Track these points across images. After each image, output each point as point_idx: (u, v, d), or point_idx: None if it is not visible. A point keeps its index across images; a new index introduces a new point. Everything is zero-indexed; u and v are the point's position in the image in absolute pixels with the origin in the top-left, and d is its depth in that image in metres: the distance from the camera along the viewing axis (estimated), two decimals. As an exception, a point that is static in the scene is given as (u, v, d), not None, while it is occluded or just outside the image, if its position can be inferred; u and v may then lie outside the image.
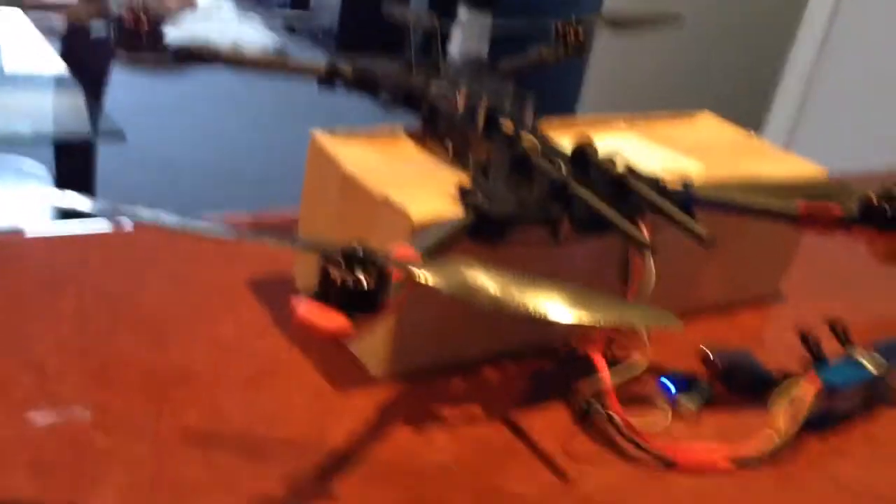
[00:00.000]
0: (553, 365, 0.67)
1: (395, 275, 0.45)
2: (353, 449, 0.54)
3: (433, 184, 0.62)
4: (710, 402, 0.65)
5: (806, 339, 0.69)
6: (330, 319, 0.41)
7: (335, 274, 0.42)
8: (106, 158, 1.78)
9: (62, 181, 1.71)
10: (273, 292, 0.69)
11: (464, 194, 0.58)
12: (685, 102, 1.00)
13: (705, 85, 3.31)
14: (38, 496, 0.47)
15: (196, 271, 0.71)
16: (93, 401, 0.54)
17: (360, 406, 0.58)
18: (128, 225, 0.75)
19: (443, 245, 0.51)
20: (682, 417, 0.64)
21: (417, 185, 0.62)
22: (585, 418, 0.61)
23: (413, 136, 0.71)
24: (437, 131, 0.70)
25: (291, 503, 0.50)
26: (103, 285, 0.66)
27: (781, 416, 0.62)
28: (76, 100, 1.69)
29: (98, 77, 1.71)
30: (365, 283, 0.42)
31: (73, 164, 1.69)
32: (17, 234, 0.72)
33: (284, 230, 0.79)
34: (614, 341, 0.64)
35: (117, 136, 1.40)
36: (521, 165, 0.61)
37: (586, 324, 0.41)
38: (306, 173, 0.67)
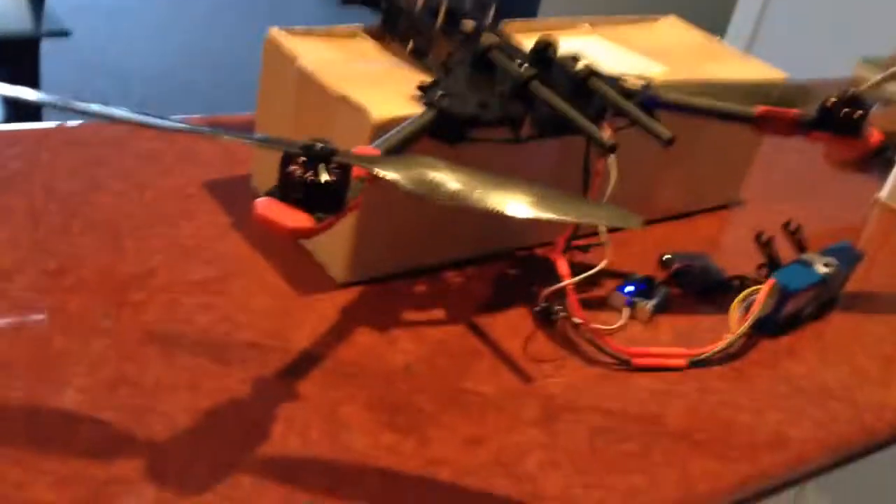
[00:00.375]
0: (514, 269, 0.67)
1: (356, 172, 0.45)
2: (315, 351, 0.54)
3: (393, 82, 0.61)
4: (666, 305, 0.66)
5: (761, 241, 0.70)
6: (291, 217, 0.41)
7: (296, 170, 0.42)
8: (51, 60, 1.72)
9: (5, 80, 1.65)
10: (231, 194, 0.68)
11: (424, 93, 0.57)
12: (646, 8, 0.99)
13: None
14: (-5, 396, 0.46)
15: (151, 172, 0.69)
16: (49, 301, 0.53)
17: (321, 309, 0.58)
18: (75, 122, 0.73)
19: (403, 143, 0.51)
20: (639, 319, 0.65)
21: (377, 83, 0.60)
22: (546, 320, 0.61)
23: (372, 34, 0.69)
24: (396, 29, 0.68)
25: (254, 403, 0.50)
26: (54, 184, 0.65)
27: (734, 317, 0.63)
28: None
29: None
30: (327, 179, 0.41)
31: (16, 63, 1.62)
32: (-39, 132, 0.69)
33: (242, 128, 0.78)
34: (573, 244, 0.64)
35: (61, 33, 1.35)
36: (482, 64, 0.60)
37: (549, 220, 0.41)
38: (262, 72, 0.65)
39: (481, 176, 0.44)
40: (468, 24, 0.65)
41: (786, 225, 0.71)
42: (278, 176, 0.42)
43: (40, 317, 0.52)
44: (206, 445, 0.46)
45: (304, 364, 0.53)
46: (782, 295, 0.63)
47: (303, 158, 0.42)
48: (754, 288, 0.63)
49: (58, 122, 0.73)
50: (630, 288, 0.65)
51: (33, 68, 1.61)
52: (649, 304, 0.65)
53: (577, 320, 0.59)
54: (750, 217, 0.83)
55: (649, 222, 0.78)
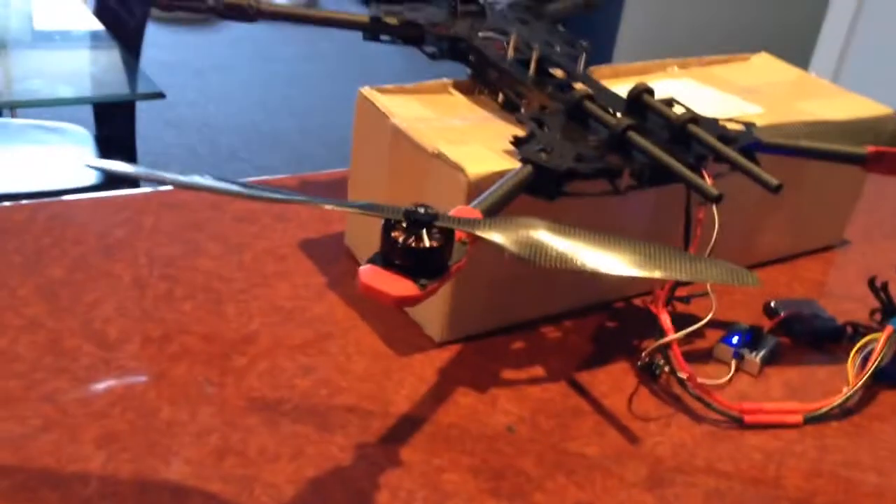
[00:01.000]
0: (612, 321, 0.66)
1: (458, 235, 0.44)
2: (415, 414, 0.54)
3: (485, 137, 0.61)
4: (775, 356, 0.64)
5: (874, 286, 0.67)
6: (396, 286, 0.40)
7: (398, 236, 0.41)
8: (144, 117, 1.77)
9: (104, 143, 1.71)
10: (325, 253, 0.68)
11: (520, 147, 0.56)
12: (721, 49, 0.97)
13: (739, 31, 3.22)
14: (106, 468, 0.47)
15: (247, 233, 0.70)
16: (156, 369, 0.54)
17: (420, 370, 0.57)
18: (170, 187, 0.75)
19: (503, 201, 0.50)
20: (747, 372, 0.62)
21: (470, 138, 0.60)
22: (650, 375, 0.60)
23: (461, 87, 0.69)
24: (486, 82, 0.68)
25: (358, 470, 0.49)
26: (156, 250, 0.66)
27: (851, 367, 0.60)
28: (112, 57, 1.67)
29: (133, 33, 1.69)
30: (431, 244, 0.41)
31: (113, 126, 1.68)
32: (67, 200, 0.71)
33: (333, 190, 0.78)
34: (674, 294, 0.62)
35: (156, 95, 1.39)
36: (577, 115, 0.59)
37: (660, 279, 0.39)
38: (354, 130, 0.66)
39: (584, 234, 0.42)
40: (559, 74, 0.64)
41: (871, 282, 0.67)
42: (381, 242, 0.42)
43: (147, 386, 0.53)
44: (312, 516, 0.46)
45: (405, 428, 0.53)
46: None
47: (405, 224, 0.41)
48: (872, 336, 0.60)
49: (156, 187, 0.75)
50: (736, 339, 0.63)
51: (129, 127, 1.67)
52: (758, 356, 0.62)
53: (682, 375, 0.57)
54: (857, 257, 0.80)
55: (751, 266, 0.75)
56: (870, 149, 0.60)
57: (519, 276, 0.61)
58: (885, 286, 0.65)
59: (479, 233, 0.42)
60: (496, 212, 0.49)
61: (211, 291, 0.62)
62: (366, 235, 0.67)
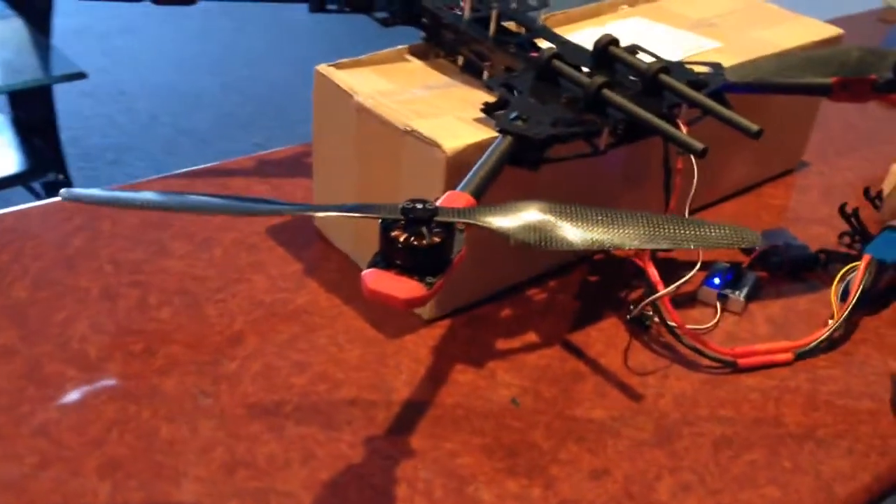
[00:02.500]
0: (594, 275, 0.66)
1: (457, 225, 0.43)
2: (418, 399, 0.53)
3: (453, 105, 0.59)
4: (756, 291, 0.64)
5: (845, 213, 0.68)
6: (402, 288, 0.39)
7: (398, 235, 0.40)
8: (58, 90, 1.69)
9: (22, 127, 1.63)
10: (296, 238, 0.67)
11: (494, 116, 0.55)
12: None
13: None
14: (115, 499, 0.45)
15: (211, 226, 0.67)
16: (145, 386, 0.52)
17: (414, 351, 0.57)
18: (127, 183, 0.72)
19: (488, 179, 0.49)
20: (731, 311, 0.63)
21: (438, 109, 0.58)
22: (640, 327, 0.60)
23: (417, 53, 0.67)
24: (442, 45, 0.66)
25: (371, 467, 0.48)
26: (120, 255, 0.63)
27: (834, 298, 0.61)
28: (20, 37, 1.59)
29: (39, 7, 1.60)
30: (433, 241, 0.39)
31: (30, 108, 1.60)
32: (16, 211, 0.68)
33: (294, 168, 0.76)
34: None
35: (76, 76, 1.33)
36: (547, 75, 0.57)
37: (671, 249, 0.39)
38: (315, 110, 0.63)
39: (586, 212, 0.42)
40: (518, 29, 0.63)
41: (866, 191, 0.68)
42: (380, 242, 0.40)
43: (140, 405, 0.51)
44: (336, 521, 0.45)
45: (410, 415, 0.52)
46: (879, 269, 0.61)
47: (404, 222, 0.40)
48: (851, 265, 0.61)
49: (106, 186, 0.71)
50: (717, 279, 0.63)
51: (47, 107, 1.59)
52: (741, 295, 0.63)
53: (673, 324, 0.57)
54: (816, 178, 0.81)
55: (718, 200, 0.76)
56: (834, 79, 0.60)
57: (499, 242, 0.60)
58: (855, 212, 0.66)
59: (482, 223, 0.41)
60: (484, 191, 0.48)
61: (186, 294, 0.60)
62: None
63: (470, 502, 0.47)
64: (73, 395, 0.51)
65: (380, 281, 0.39)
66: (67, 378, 0.53)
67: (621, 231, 0.40)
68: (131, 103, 2.86)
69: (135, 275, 0.62)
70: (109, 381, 0.52)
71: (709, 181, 0.72)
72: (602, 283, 0.65)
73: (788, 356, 0.57)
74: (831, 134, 0.89)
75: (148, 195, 0.40)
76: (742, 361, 0.57)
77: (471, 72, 0.64)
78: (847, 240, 0.70)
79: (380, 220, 0.40)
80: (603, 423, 0.52)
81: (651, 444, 0.51)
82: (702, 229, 0.41)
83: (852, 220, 0.67)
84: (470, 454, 0.50)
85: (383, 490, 0.47)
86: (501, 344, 0.58)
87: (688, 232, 0.40)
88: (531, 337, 0.59)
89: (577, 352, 0.58)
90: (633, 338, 0.59)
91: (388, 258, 0.40)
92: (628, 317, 0.60)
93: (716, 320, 0.61)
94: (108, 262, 0.62)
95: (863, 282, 0.60)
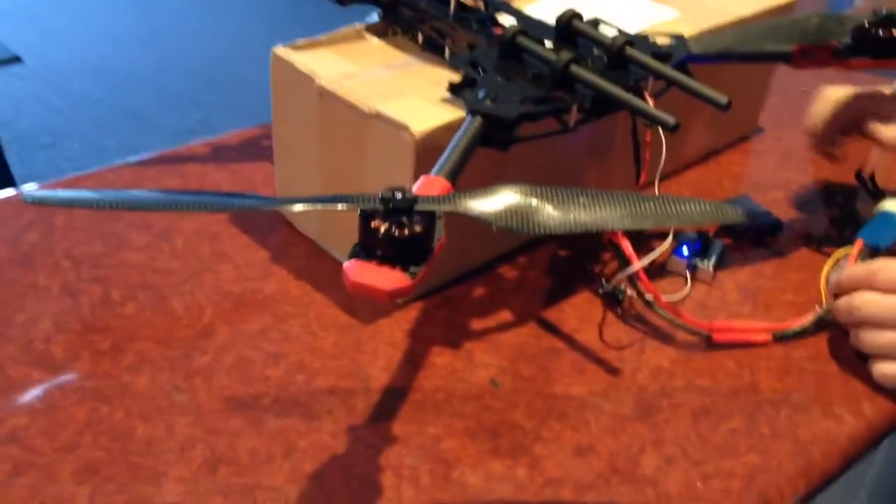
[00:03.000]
0: (564, 249, 0.65)
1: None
2: (397, 384, 0.53)
3: (418, 85, 0.58)
4: (724, 259, 0.65)
5: (861, 177, 0.68)
6: (386, 279, 0.38)
7: (379, 225, 0.39)
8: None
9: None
10: (258, 224, 0.65)
11: (462, 96, 0.54)
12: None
13: None
14: (93, 502, 0.44)
15: (169, 215, 0.65)
16: (116, 385, 0.51)
17: (390, 335, 0.56)
18: (76, 174, 0.69)
19: (461, 163, 0.48)
20: (701, 280, 0.63)
21: (402, 89, 0.57)
22: (613, 302, 0.60)
23: (375, 31, 0.65)
24: (400, 22, 0.65)
25: (355, 456, 0.48)
26: (77, 249, 0.61)
27: (824, 284, 0.59)
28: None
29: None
30: (415, 230, 0.39)
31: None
32: (-37, 208, 0.65)
33: (251, 152, 0.74)
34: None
35: (10, 60, 1.28)
36: (511, 52, 0.57)
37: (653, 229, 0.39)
38: (273, 93, 0.62)
39: (567, 194, 0.41)
40: (478, 4, 0.62)
41: (858, 174, 0.69)
42: (360, 233, 0.39)
43: (113, 406, 0.50)
44: (324, 514, 0.45)
45: (390, 401, 0.51)
46: (871, 254, 0.59)
47: (383, 211, 0.39)
48: (843, 251, 0.60)
49: (53, 180, 0.69)
50: (686, 249, 0.64)
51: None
52: (710, 264, 0.63)
53: (649, 297, 0.57)
54: (773, 143, 0.82)
55: (680, 169, 0.76)
56: (795, 47, 0.60)
57: (469, 222, 0.59)
58: (872, 177, 0.67)
59: (462, 210, 0.40)
60: (459, 174, 0.47)
61: (150, 288, 0.59)
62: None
63: (457, 486, 0.47)
64: (41, 399, 0.50)
65: (362, 273, 0.38)
66: (34, 381, 0.51)
67: (604, 212, 0.40)
68: (64, 83, 2.78)
69: (95, 269, 0.60)
70: (78, 382, 0.51)
71: (671, 150, 0.72)
72: (572, 258, 0.65)
73: (766, 337, 0.58)
74: (786, 99, 0.90)
75: (117, 195, 0.39)
76: (717, 336, 0.57)
77: (431, 49, 0.63)
78: (834, 211, 0.69)
79: (359, 211, 0.39)
80: (583, 399, 0.53)
81: (632, 418, 0.51)
82: (684, 206, 0.41)
83: (868, 184, 0.67)
84: (453, 438, 0.49)
85: (369, 479, 0.47)
86: (477, 324, 0.58)
87: (670, 210, 0.40)
88: (505, 315, 0.58)
89: (552, 328, 0.58)
90: (607, 312, 0.60)
91: (368, 249, 0.39)
92: (600, 291, 0.60)
93: (687, 290, 0.62)
94: (65, 258, 0.60)
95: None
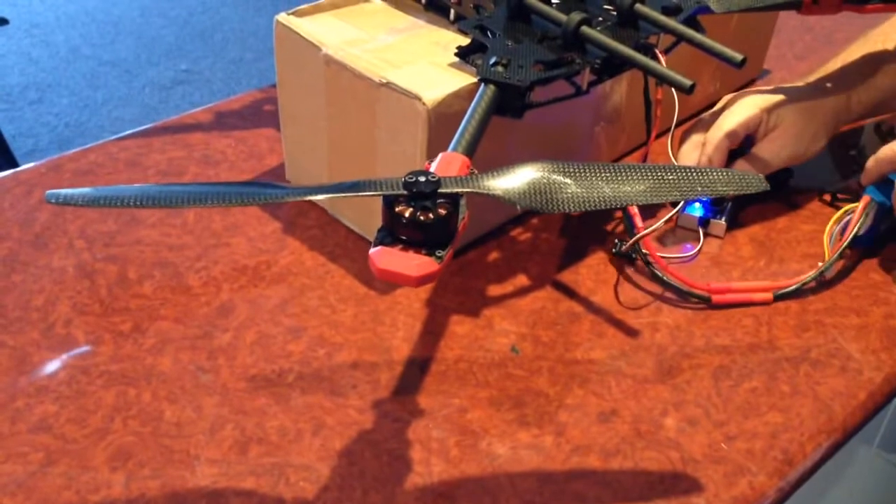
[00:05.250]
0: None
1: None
2: (419, 355, 0.53)
3: (425, 50, 0.57)
4: (735, 213, 0.65)
5: (881, 131, 0.68)
6: (414, 265, 0.38)
7: (404, 210, 0.39)
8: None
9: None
10: (270, 194, 0.65)
11: (472, 62, 0.53)
12: None
13: None
14: (131, 490, 0.45)
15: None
16: (141, 368, 0.51)
17: (408, 306, 0.56)
18: (80, 148, 0.69)
19: (478, 135, 0.47)
20: (713, 235, 0.63)
21: (410, 55, 0.56)
22: (627, 261, 0.60)
23: (377, -9, 0.64)
24: (403, -19, 0.63)
25: (383, 431, 0.48)
26: (90, 228, 0.61)
27: (827, 239, 0.60)
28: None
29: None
30: (440, 213, 0.38)
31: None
32: (-31, 189, 0.64)
33: (254, 118, 0.74)
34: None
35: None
36: (520, 13, 0.56)
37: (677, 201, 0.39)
38: (277, 61, 0.61)
39: (589, 170, 0.41)
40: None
41: (877, 127, 0.68)
42: (384, 218, 0.39)
43: (140, 389, 0.50)
44: (355, 490, 0.45)
45: (413, 373, 0.52)
46: (880, 212, 0.59)
47: (407, 196, 0.39)
48: (848, 207, 0.60)
49: (60, 153, 0.68)
50: (698, 204, 0.64)
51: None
52: (722, 218, 0.63)
53: (653, 263, 0.57)
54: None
55: (689, 116, 0.75)
56: (806, -5, 0.59)
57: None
58: (891, 130, 0.66)
59: (487, 191, 0.40)
60: (476, 147, 0.47)
61: (166, 265, 0.58)
62: (309, 167, 0.63)
63: (486, 457, 0.47)
64: (68, 385, 0.50)
65: (389, 259, 0.38)
66: (59, 366, 0.51)
67: (628, 186, 0.40)
68: (47, 36, 2.73)
69: (109, 248, 0.59)
70: (103, 366, 0.51)
71: (680, 100, 0.71)
72: (584, 218, 0.65)
73: (767, 297, 0.58)
74: (789, 37, 0.89)
75: (141, 190, 0.38)
76: (717, 299, 0.57)
77: (435, 10, 0.61)
78: (847, 159, 0.69)
79: (382, 197, 0.39)
80: (604, 363, 0.53)
81: (653, 380, 0.52)
82: (706, 175, 0.40)
83: (887, 137, 0.67)
84: (479, 408, 0.50)
85: (399, 454, 0.47)
86: (494, 290, 0.58)
87: (693, 181, 0.40)
88: (522, 280, 0.59)
89: (569, 291, 0.58)
90: (621, 272, 0.60)
91: (395, 234, 0.39)
92: (614, 251, 0.60)
93: (699, 247, 0.62)
94: (78, 237, 0.60)
95: (860, 223, 0.59)
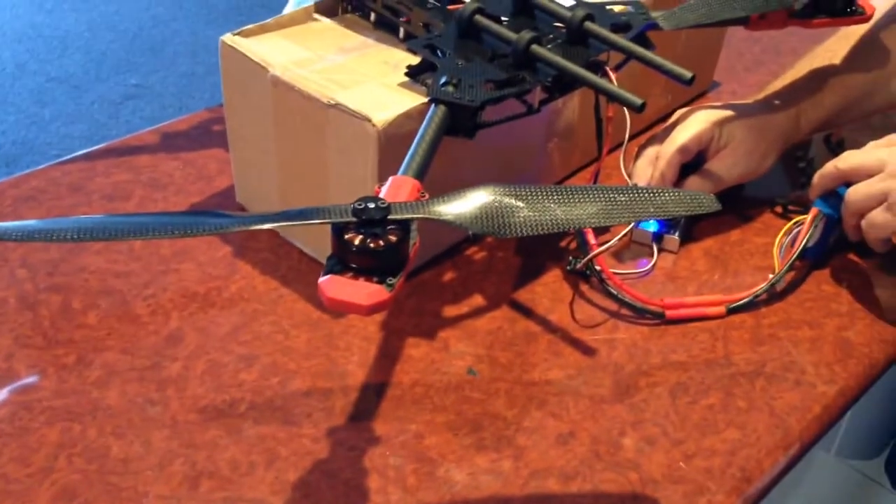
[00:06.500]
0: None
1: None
2: (374, 380, 0.52)
3: (374, 70, 0.56)
4: (688, 227, 0.65)
5: (830, 142, 0.68)
6: (364, 294, 0.37)
7: (353, 238, 0.38)
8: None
9: None
10: (219, 217, 0.63)
11: (422, 82, 0.52)
12: None
13: None
14: (75, 532, 0.43)
15: (124, 214, 0.63)
16: (86, 402, 0.49)
17: (362, 329, 0.55)
18: (23, 172, 0.67)
19: (429, 157, 0.47)
20: (667, 250, 0.63)
21: (359, 75, 0.55)
22: (582, 278, 0.60)
23: (324, 10, 0.63)
24: (352, 1, 0.63)
25: (338, 460, 0.47)
26: (32, 257, 0.59)
27: (777, 252, 0.60)
28: None
29: None
30: (390, 240, 0.38)
31: None
32: None
33: (202, 138, 0.72)
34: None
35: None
36: (470, 31, 0.55)
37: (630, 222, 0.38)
38: (224, 83, 0.59)
39: (539, 193, 0.40)
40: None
41: (827, 139, 0.69)
42: (333, 245, 0.38)
43: (85, 424, 0.48)
44: (312, 524, 0.44)
45: (369, 399, 0.51)
46: (829, 224, 0.60)
47: (356, 222, 0.38)
48: (797, 219, 0.60)
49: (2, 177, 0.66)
50: (651, 221, 0.64)
51: None
52: (676, 233, 0.63)
53: (608, 281, 0.57)
54: (729, 97, 0.81)
55: (641, 131, 0.75)
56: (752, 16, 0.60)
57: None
58: (840, 143, 0.67)
59: (438, 217, 0.39)
60: (427, 170, 0.46)
61: (112, 294, 0.57)
62: (259, 189, 0.62)
63: (443, 484, 0.46)
64: (9, 422, 0.48)
65: (340, 288, 0.37)
66: (5, 403, 0.49)
67: (579, 209, 0.39)
68: (-7, 53, 2.67)
69: (52, 277, 0.58)
70: (46, 402, 0.49)
71: (632, 115, 0.72)
72: (539, 237, 0.64)
73: (720, 311, 0.58)
74: (738, 49, 0.89)
75: (79, 222, 0.37)
76: (670, 314, 0.57)
77: (384, 28, 0.61)
78: (796, 171, 0.69)
79: (330, 225, 0.38)
80: (561, 383, 0.53)
81: (611, 400, 0.52)
82: (658, 196, 0.40)
83: (836, 148, 0.67)
84: (436, 433, 0.49)
85: (355, 484, 0.46)
86: (449, 311, 0.57)
87: (645, 201, 0.40)
88: (478, 300, 0.58)
89: (526, 311, 0.57)
90: (577, 290, 0.59)
91: (343, 262, 0.38)
92: (568, 269, 0.60)
93: (653, 262, 0.62)
94: (20, 266, 0.58)
95: (808, 235, 0.59)
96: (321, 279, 0.38)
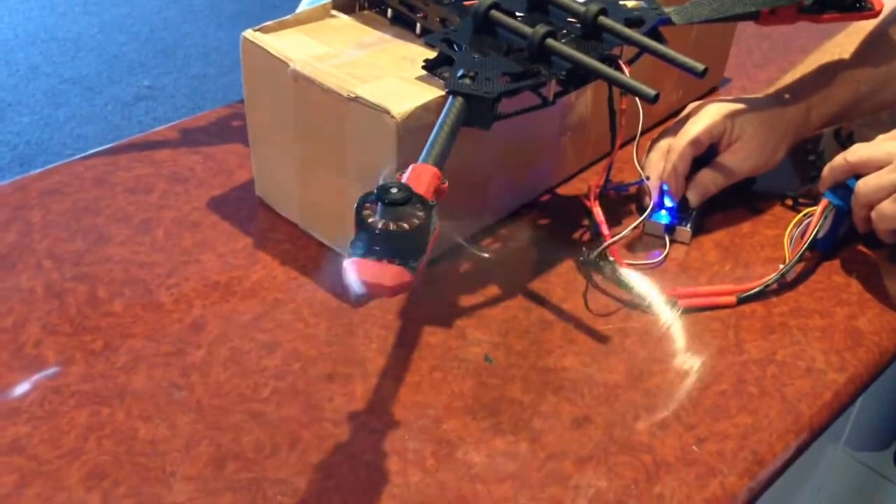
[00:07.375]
0: (543, 218, 0.66)
1: (428, 195, 0.42)
2: (394, 366, 0.53)
3: (393, 64, 0.58)
4: (700, 219, 0.66)
5: (840, 136, 0.69)
6: (388, 275, 0.38)
7: (377, 221, 0.39)
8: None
9: None
10: (238, 210, 0.65)
11: (440, 75, 0.54)
12: None
13: None
14: (105, 510, 0.44)
15: (147, 206, 0.65)
16: (113, 386, 0.51)
17: (381, 317, 0.56)
18: (47, 167, 0.68)
19: (448, 146, 0.48)
20: (679, 241, 0.64)
21: (378, 70, 0.57)
22: (595, 267, 0.61)
23: (342, 8, 0.65)
24: (369, -3, 0.64)
25: (359, 443, 0.48)
26: (58, 248, 0.60)
27: (787, 242, 0.61)
28: None
29: None
30: (413, 223, 0.39)
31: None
32: (-66, 211, 0.64)
33: (221, 134, 0.74)
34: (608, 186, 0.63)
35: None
36: (485, 26, 0.56)
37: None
38: (245, 78, 0.61)
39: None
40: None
41: (837, 133, 0.70)
42: (356, 228, 0.40)
43: (113, 408, 0.50)
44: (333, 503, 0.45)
45: (389, 384, 0.52)
46: (839, 215, 0.61)
47: (379, 206, 0.39)
48: (807, 210, 0.61)
49: (26, 172, 0.68)
50: (664, 212, 0.65)
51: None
52: (688, 224, 0.64)
53: (623, 274, 0.58)
54: (739, 93, 0.82)
55: (652, 126, 0.76)
56: (763, 10, 0.61)
57: (453, 199, 0.60)
58: (850, 136, 0.68)
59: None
60: (445, 158, 0.47)
61: (136, 283, 0.58)
62: (279, 182, 0.63)
63: (462, 466, 0.48)
64: (39, 406, 0.50)
65: (364, 270, 0.38)
66: (30, 387, 0.51)
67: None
68: (6, 54, 2.70)
69: (78, 267, 0.59)
70: (75, 385, 0.51)
71: (644, 108, 0.73)
72: (552, 227, 0.65)
73: (731, 300, 0.59)
74: (748, 46, 0.90)
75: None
76: (682, 302, 0.58)
77: (401, 24, 0.62)
78: (807, 166, 0.70)
79: (355, 207, 0.40)
80: (576, 369, 0.54)
81: (625, 386, 0.53)
82: None
83: (846, 143, 0.68)
84: (454, 417, 0.50)
85: (376, 466, 0.47)
86: (466, 300, 0.58)
87: None
88: (493, 290, 0.59)
89: (540, 300, 0.59)
90: (591, 279, 0.60)
91: (367, 245, 0.39)
92: (581, 259, 0.61)
93: (665, 253, 0.63)
94: (46, 257, 0.60)
95: (818, 226, 0.60)
96: (346, 261, 0.39)
